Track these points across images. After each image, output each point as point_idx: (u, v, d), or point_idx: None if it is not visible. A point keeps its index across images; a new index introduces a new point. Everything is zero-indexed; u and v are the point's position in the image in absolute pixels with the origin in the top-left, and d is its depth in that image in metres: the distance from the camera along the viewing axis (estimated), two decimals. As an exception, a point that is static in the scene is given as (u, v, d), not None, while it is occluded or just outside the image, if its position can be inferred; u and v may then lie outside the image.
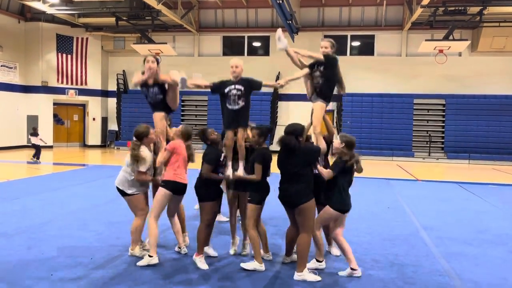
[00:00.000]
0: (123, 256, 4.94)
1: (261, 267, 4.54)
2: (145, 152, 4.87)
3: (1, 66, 19.82)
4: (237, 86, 4.96)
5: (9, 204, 7.69)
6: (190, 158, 5.00)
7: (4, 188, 9.40)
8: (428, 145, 19.81)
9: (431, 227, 6.72)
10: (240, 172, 4.80)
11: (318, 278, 4.31)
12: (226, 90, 4.98)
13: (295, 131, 4.40)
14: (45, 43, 21.25)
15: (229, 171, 4.85)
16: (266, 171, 4.65)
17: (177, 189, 4.83)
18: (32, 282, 4.12)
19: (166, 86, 5.31)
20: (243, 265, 4.61)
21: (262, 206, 4.73)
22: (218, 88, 5.09)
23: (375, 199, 8.82)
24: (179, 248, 5.12)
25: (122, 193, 4.93)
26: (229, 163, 4.90)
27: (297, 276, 4.30)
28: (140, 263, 4.63)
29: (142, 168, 4.80)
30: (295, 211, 4.37)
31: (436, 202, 9.13)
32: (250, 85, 5.03)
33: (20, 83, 20.83)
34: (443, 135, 20.07)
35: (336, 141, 4.67)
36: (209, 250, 4.99)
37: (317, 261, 4.68)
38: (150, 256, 4.64)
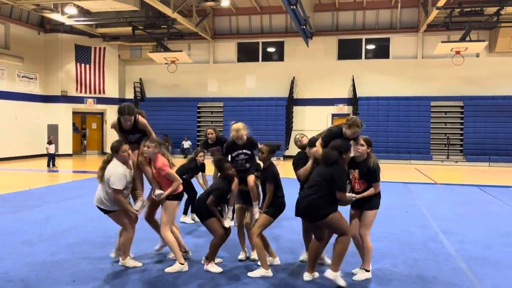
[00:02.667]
0: (146, 264, 5.01)
1: (268, 273, 4.55)
2: (120, 169, 4.62)
3: (22, 77, 20.33)
4: (244, 151, 5.00)
5: (31, 212, 7.87)
6: (172, 165, 4.95)
7: (27, 197, 9.63)
8: (447, 148, 19.55)
9: (450, 231, 6.65)
10: (257, 215, 4.77)
11: (344, 283, 4.26)
12: (234, 154, 5.01)
13: (338, 147, 4.31)
14: (64, 53, 21.72)
15: (227, 223, 4.78)
16: (279, 188, 4.71)
17: (181, 196, 5.00)
18: (56, 288, 4.22)
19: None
20: (250, 274, 4.60)
21: (274, 220, 4.75)
22: (228, 152, 5.08)
23: (393, 204, 8.75)
24: (185, 252, 5.15)
25: (105, 211, 4.74)
26: (230, 216, 4.88)
27: (330, 274, 4.24)
28: (170, 269, 4.73)
29: (117, 186, 4.55)
30: (318, 224, 4.31)
31: (456, 205, 9.01)
32: (254, 147, 5.07)
33: (40, 93, 21.31)
34: (462, 137, 19.78)
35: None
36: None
37: (366, 270, 4.56)
38: (181, 263, 4.77)
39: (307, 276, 4.44)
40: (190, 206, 7.29)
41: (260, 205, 4.83)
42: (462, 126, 19.89)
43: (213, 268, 4.73)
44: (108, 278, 4.56)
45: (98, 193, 4.70)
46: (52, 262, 5.01)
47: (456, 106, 20.25)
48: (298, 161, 4.84)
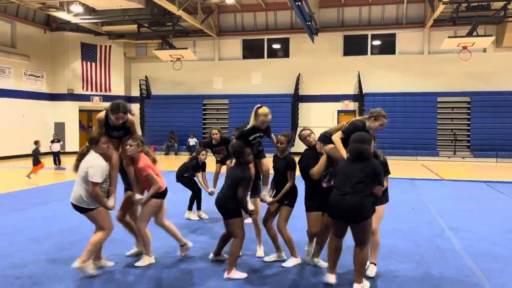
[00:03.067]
0: (158, 260, 5.03)
1: (298, 260, 4.87)
2: (100, 161, 4.46)
3: (29, 75, 20.46)
4: (260, 134, 4.97)
5: (39, 210, 7.94)
6: (155, 162, 4.87)
7: (34, 194, 9.71)
8: (454, 144, 19.43)
9: (457, 228, 6.61)
10: (268, 197, 4.83)
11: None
12: (251, 138, 4.90)
13: (365, 140, 4.14)
14: (70, 52, 21.82)
15: (268, 199, 4.84)
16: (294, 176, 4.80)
17: (165, 194, 4.94)
18: (63, 285, 4.26)
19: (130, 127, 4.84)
20: (284, 264, 4.84)
21: (292, 210, 4.87)
22: (245, 137, 4.88)
23: (399, 200, 8.71)
24: (182, 246, 5.13)
25: (83, 210, 4.48)
26: (266, 192, 4.93)
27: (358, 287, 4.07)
28: (140, 263, 4.81)
29: (97, 178, 4.38)
30: (353, 225, 4.05)
31: (462, 201, 8.96)
32: (270, 131, 5.07)
33: (47, 92, 21.44)
34: (469, 133, 19.65)
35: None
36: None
37: (374, 264, 4.59)
38: (149, 257, 4.88)
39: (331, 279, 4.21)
40: (196, 202, 7.33)
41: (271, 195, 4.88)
42: (469, 122, 19.75)
43: (237, 274, 4.45)
44: (115, 275, 4.59)
45: (76, 190, 4.47)
46: (60, 259, 5.05)
47: (463, 102, 20.11)
48: (310, 160, 4.62)
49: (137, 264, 4.82)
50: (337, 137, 4.48)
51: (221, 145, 7.21)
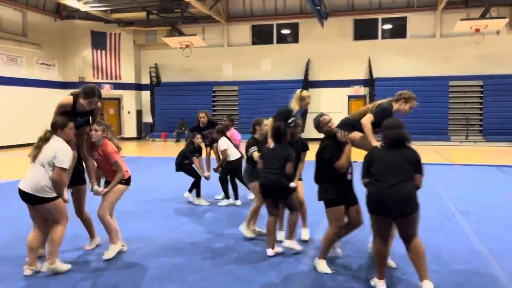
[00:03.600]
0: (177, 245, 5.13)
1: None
2: (67, 146, 4.19)
3: (41, 64, 20.65)
4: (295, 116, 5.16)
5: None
6: (119, 149, 4.67)
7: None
8: (466, 129, 19.26)
9: (467, 212, 6.63)
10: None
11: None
12: (290, 120, 5.07)
13: (402, 125, 3.83)
14: (80, 40, 21.94)
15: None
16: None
17: (130, 181, 4.79)
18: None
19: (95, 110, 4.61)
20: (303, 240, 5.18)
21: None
22: (286, 119, 5.01)
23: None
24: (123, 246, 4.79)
25: (40, 200, 4.03)
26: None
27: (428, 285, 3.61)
28: (109, 254, 4.53)
29: (66, 164, 4.08)
30: (401, 220, 3.63)
31: (473, 186, 8.95)
32: (305, 114, 5.37)
33: (58, 80, 21.64)
34: (481, 117, 19.44)
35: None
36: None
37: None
38: (115, 244, 4.60)
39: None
40: (196, 190, 7.38)
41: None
42: (482, 106, 19.53)
43: (295, 245, 4.71)
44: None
45: (36, 179, 4.02)
46: (72, 238, 5.15)
47: (476, 86, 19.85)
48: (333, 150, 4.15)
49: (105, 257, 4.53)
50: (368, 122, 4.16)
51: (209, 129, 7.37)
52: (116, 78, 22.86)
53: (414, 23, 20.59)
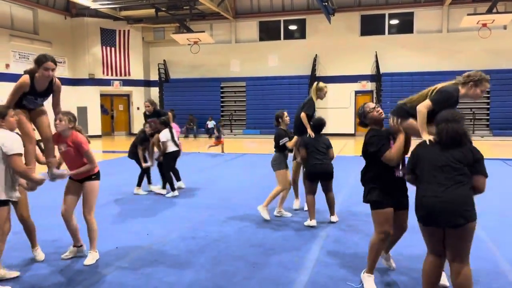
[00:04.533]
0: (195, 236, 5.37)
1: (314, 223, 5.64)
2: (12, 132, 3.78)
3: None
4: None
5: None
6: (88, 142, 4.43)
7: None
8: (472, 123, 19.31)
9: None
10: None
11: None
12: (315, 112, 6.31)
13: (461, 118, 3.19)
14: (90, 37, 22.26)
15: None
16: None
17: (99, 175, 4.53)
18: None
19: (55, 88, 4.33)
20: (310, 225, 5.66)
21: None
22: (313, 111, 6.25)
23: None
24: (80, 246, 4.55)
25: None
26: None
27: None
28: (89, 261, 4.32)
29: (17, 149, 3.62)
30: (451, 232, 3.02)
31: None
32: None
33: (69, 77, 22.00)
34: (488, 112, 19.49)
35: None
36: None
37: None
38: (95, 252, 4.43)
39: None
40: (147, 177, 7.91)
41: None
42: (489, 100, 19.57)
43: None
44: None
45: None
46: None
47: (483, 80, 19.85)
48: (381, 141, 3.58)
49: (86, 262, 4.30)
50: (423, 109, 3.43)
51: (153, 117, 7.68)
52: (125, 75, 23.17)
53: (421, 18, 20.64)
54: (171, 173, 7.79)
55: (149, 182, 7.96)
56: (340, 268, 4.20)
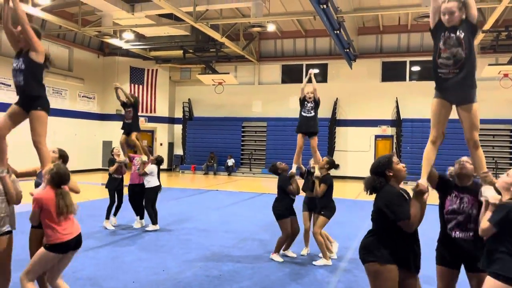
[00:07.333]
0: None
1: (328, 262, 6.01)
2: None
3: (82, 96, 21.99)
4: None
5: (93, 220, 8.71)
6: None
7: (87, 207, 10.55)
8: (495, 172, 19.05)
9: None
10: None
11: None
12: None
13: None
14: (120, 75, 23.28)
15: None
16: (331, 192, 6.28)
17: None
18: None
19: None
20: (315, 263, 6.04)
21: (329, 220, 6.22)
22: None
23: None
24: None
25: None
26: None
27: None
28: None
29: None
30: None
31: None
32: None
33: (97, 112, 22.91)
34: (511, 161, 19.25)
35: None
36: (289, 252, 6.48)
37: None
38: None
39: None
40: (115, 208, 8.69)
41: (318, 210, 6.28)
42: (511, 150, 19.38)
43: (277, 257, 6.12)
44: (169, 282, 5.15)
45: None
46: (113, 265, 5.66)
47: (505, 130, 19.79)
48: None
49: None
50: None
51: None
52: (151, 112, 23.97)
53: (442, 66, 20.87)
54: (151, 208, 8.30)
55: (115, 215, 8.59)
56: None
